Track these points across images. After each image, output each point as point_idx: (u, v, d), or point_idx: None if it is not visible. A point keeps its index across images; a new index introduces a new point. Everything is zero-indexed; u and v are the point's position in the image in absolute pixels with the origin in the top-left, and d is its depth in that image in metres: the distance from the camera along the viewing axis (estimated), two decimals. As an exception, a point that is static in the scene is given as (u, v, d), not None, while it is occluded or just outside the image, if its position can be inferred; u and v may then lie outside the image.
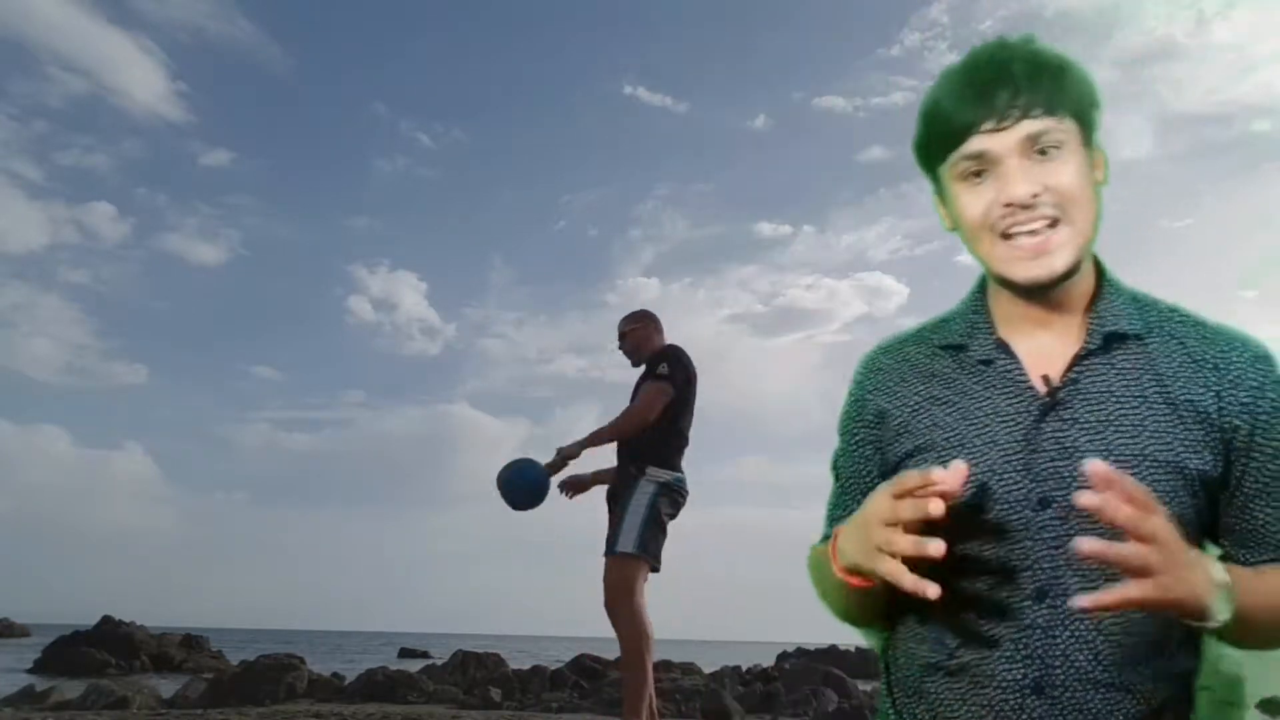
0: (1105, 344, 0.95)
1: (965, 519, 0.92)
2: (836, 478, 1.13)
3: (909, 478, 0.81)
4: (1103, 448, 0.90)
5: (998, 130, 0.92)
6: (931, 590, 0.79)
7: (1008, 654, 0.92)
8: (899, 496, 0.81)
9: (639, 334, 4.18)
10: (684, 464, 3.97)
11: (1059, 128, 0.91)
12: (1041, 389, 0.95)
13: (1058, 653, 0.90)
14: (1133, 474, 0.87)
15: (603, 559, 3.79)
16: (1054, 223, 0.91)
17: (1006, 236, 0.92)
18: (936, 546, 0.78)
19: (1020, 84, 0.91)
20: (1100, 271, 1.00)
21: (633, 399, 4.02)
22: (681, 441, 3.97)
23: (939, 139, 0.96)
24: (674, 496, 3.88)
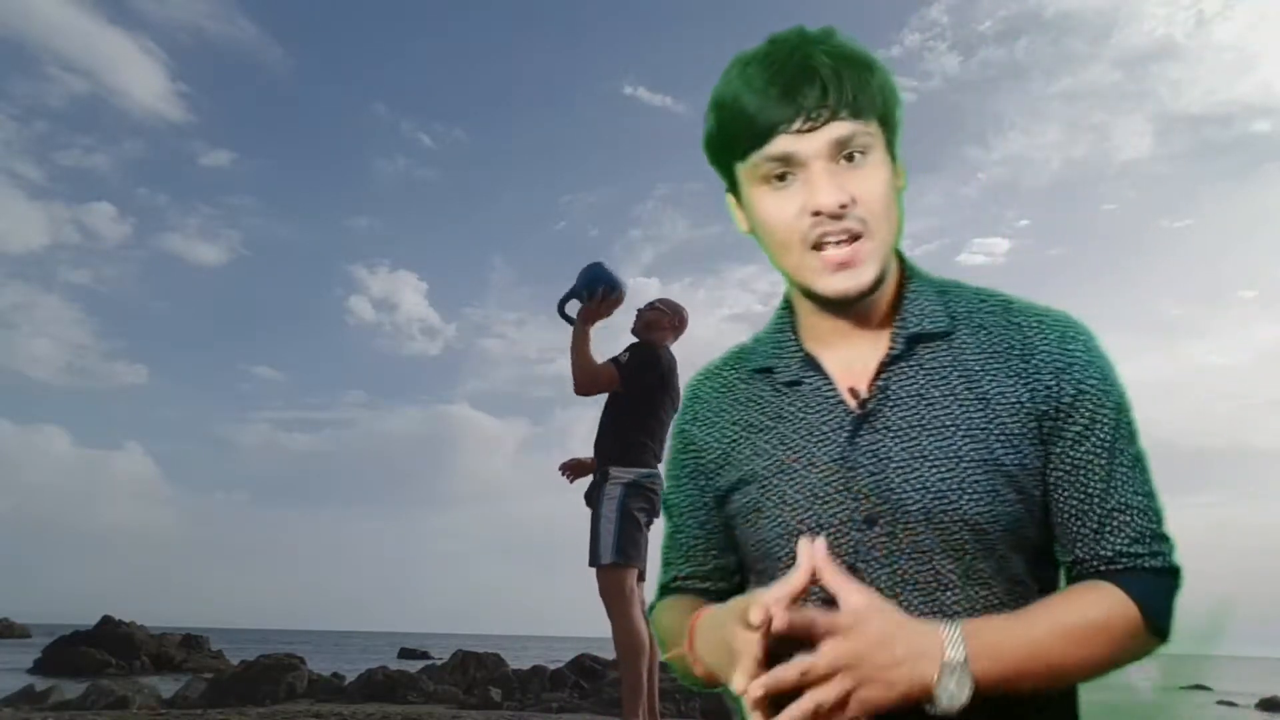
0: (910, 347, 0.91)
1: (794, 549, 0.86)
2: (668, 515, 1.09)
3: (763, 603, 0.77)
4: (917, 453, 0.87)
5: (805, 131, 0.85)
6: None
7: None
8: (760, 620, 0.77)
9: (654, 320, 4.17)
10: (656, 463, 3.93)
11: (865, 131, 0.87)
12: (851, 403, 0.91)
13: None
14: (950, 476, 0.86)
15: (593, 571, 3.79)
16: (859, 236, 0.86)
17: (816, 248, 0.87)
18: (786, 676, 0.76)
19: (828, 82, 0.85)
20: (904, 271, 0.96)
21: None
22: (649, 441, 3.93)
23: (739, 137, 0.89)
24: (646, 494, 3.85)
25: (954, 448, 0.87)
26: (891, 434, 0.89)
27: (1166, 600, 0.88)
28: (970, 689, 0.78)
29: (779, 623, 0.76)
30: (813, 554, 0.80)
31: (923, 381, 0.90)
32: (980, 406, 0.88)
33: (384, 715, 6.27)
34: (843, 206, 0.85)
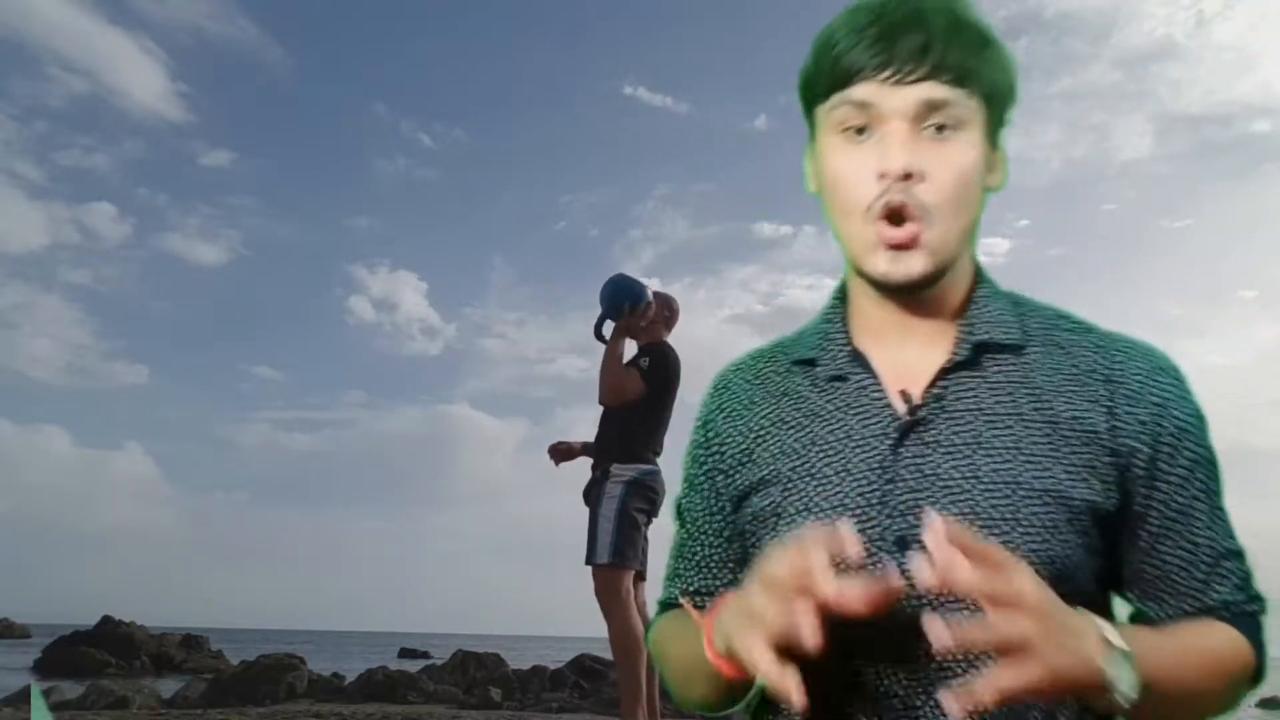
0: (976, 355, 0.80)
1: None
2: (680, 522, 0.94)
3: (807, 543, 0.64)
4: (969, 474, 0.76)
5: (893, 83, 0.75)
6: (795, 698, 0.61)
7: None
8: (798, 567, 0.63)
9: (652, 315, 4.15)
10: (658, 460, 3.95)
11: (965, 104, 0.76)
12: (901, 407, 0.80)
13: None
14: (1003, 504, 0.74)
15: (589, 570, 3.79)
16: (919, 219, 0.75)
17: (877, 218, 0.76)
18: (811, 632, 0.61)
19: (934, 36, 0.74)
20: (978, 275, 0.86)
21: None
22: (650, 437, 3.94)
23: (824, 74, 0.79)
24: (645, 492, 3.84)
25: (1012, 473, 0.75)
26: (942, 449, 0.77)
27: (1265, 644, 0.80)
28: (1137, 685, 0.66)
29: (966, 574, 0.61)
30: (841, 528, 0.64)
31: (985, 395, 0.79)
32: (1048, 431, 0.77)
33: (384, 715, 6.27)
34: (908, 176, 0.74)
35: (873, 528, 0.77)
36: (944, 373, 0.80)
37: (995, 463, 0.76)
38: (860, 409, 0.82)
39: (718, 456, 0.90)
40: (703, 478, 0.92)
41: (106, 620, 17.36)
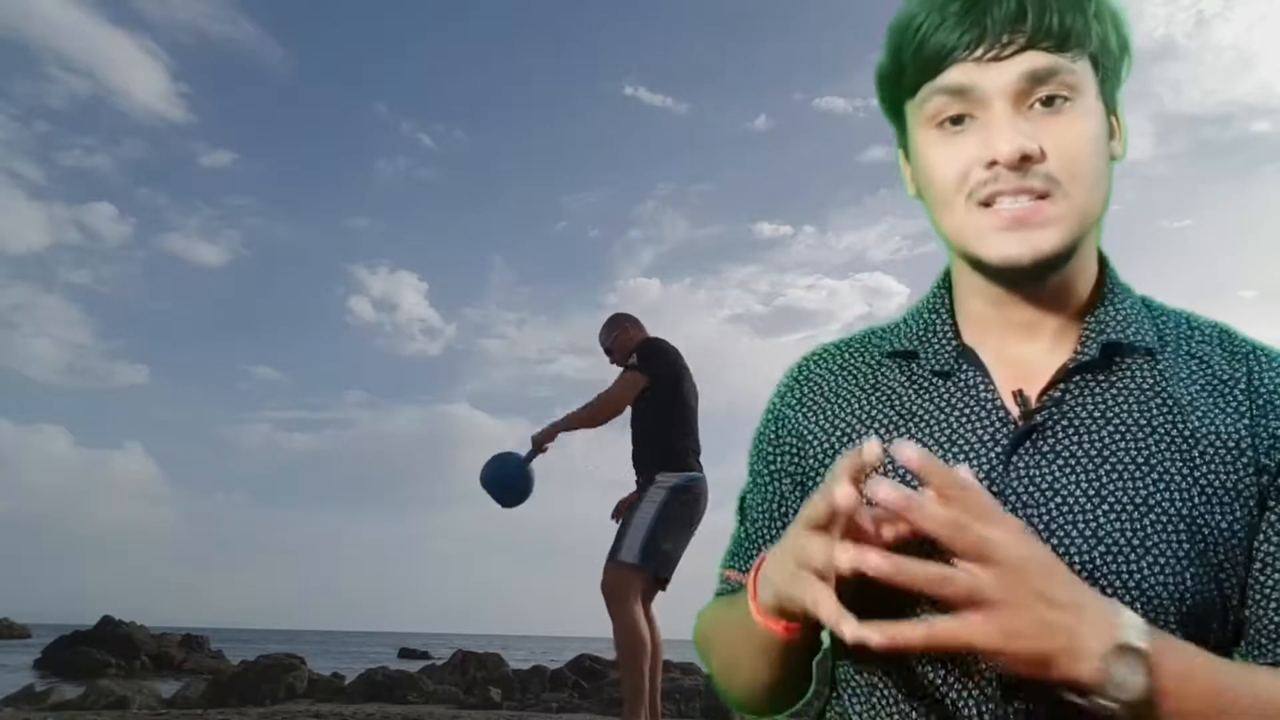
0: (1104, 356, 0.71)
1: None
2: (742, 518, 0.86)
3: (841, 469, 0.58)
4: (1092, 492, 0.67)
5: (990, 60, 0.67)
6: (871, 635, 0.55)
7: None
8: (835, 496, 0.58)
9: (619, 340, 4.17)
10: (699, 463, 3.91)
11: (1072, 70, 0.67)
12: (1014, 410, 0.71)
13: None
14: (1131, 529, 0.65)
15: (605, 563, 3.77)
16: (1047, 195, 0.67)
17: (985, 205, 0.68)
18: (873, 561, 0.55)
19: (1028, 1, 0.66)
20: (1105, 270, 0.77)
21: None
22: (688, 441, 3.91)
23: (909, 66, 0.71)
24: (688, 499, 3.80)
25: (1143, 493, 0.66)
26: (1061, 460, 0.68)
27: None
28: (1144, 686, 0.57)
29: (888, 497, 0.55)
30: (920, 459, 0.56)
31: (1113, 401, 0.70)
32: (1186, 447, 0.68)
33: (384, 715, 6.27)
34: (1026, 158, 0.66)
35: None
36: (1067, 374, 0.71)
37: (1123, 481, 0.67)
38: (967, 410, 0.73)
39: (791, 455, 0.81)
40: (768, 476, 0.83)
41: (106, 620, 17.33)
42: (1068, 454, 0.68)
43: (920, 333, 0.78)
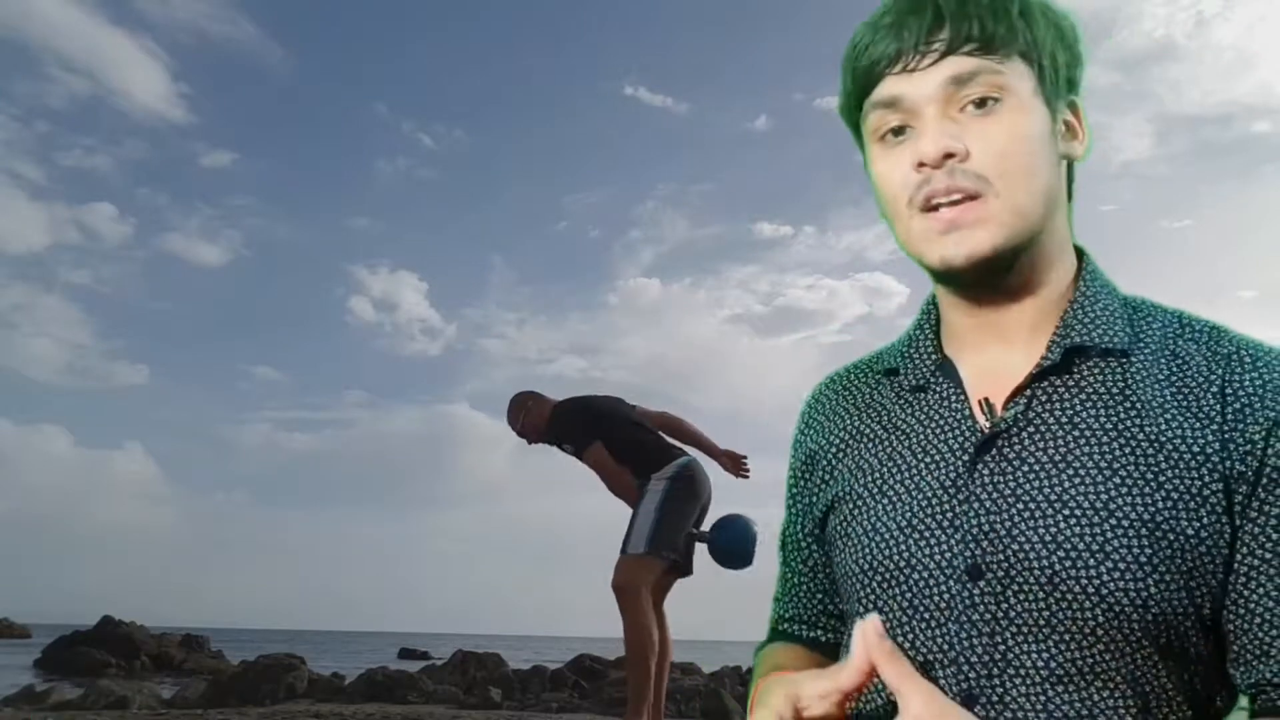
0: (1069, 360, 0.71)
1: (875, 591, 0.73)
2: (780, 548, 0.91)
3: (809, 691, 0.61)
4: (1052, 495, 0.67)
5: (914, 69, 0.70)
6: None
7: None
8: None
9: (529, 421, 4.20)
10: (682, 450, 3.96)
11: (998, 70, 0.69)
12: (981, 419, 0.72)
13: None
14: (1090, 533, 0.65)
15: (609, 560, 3.79)
16: (979, 195, 0.68)
17: (927, 210, 0.70)
18: None
19: (947, 10, 0.69)
20: (1083, 272, 0.76)
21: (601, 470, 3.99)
22: (654, 441, 3.96)
23: (854, 85, 0.74)
24: (686, 480, 3.83)
25: (1103, 497, 0.66)
26: (1024, 466, 0.69)
27: None
28: None
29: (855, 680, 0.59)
30: (868, 641, 0.58)
31: (1079, 406, 0.70)
32: (1150, 451, 0.67)
33: (384, 715, 6.27)
34: (948, 156, 0.68)
35: (942, 553, 0.69)
36: (1032, 380, 0.71)
37: (1084, 485, 0.66)
38: (939, 420, 0.75)
39: (804, 478, 0.86)
40: (792, 501, 0.88)
41: (106, 620, 17.33)
42: (1030, 459, 0.69)
43: (905, 349, 0.81)
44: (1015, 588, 0.66)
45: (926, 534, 0.70)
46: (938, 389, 0.77)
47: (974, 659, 0.67)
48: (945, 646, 0.68)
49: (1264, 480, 0.65)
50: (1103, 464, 0.67)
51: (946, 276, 0.73)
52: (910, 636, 0.70)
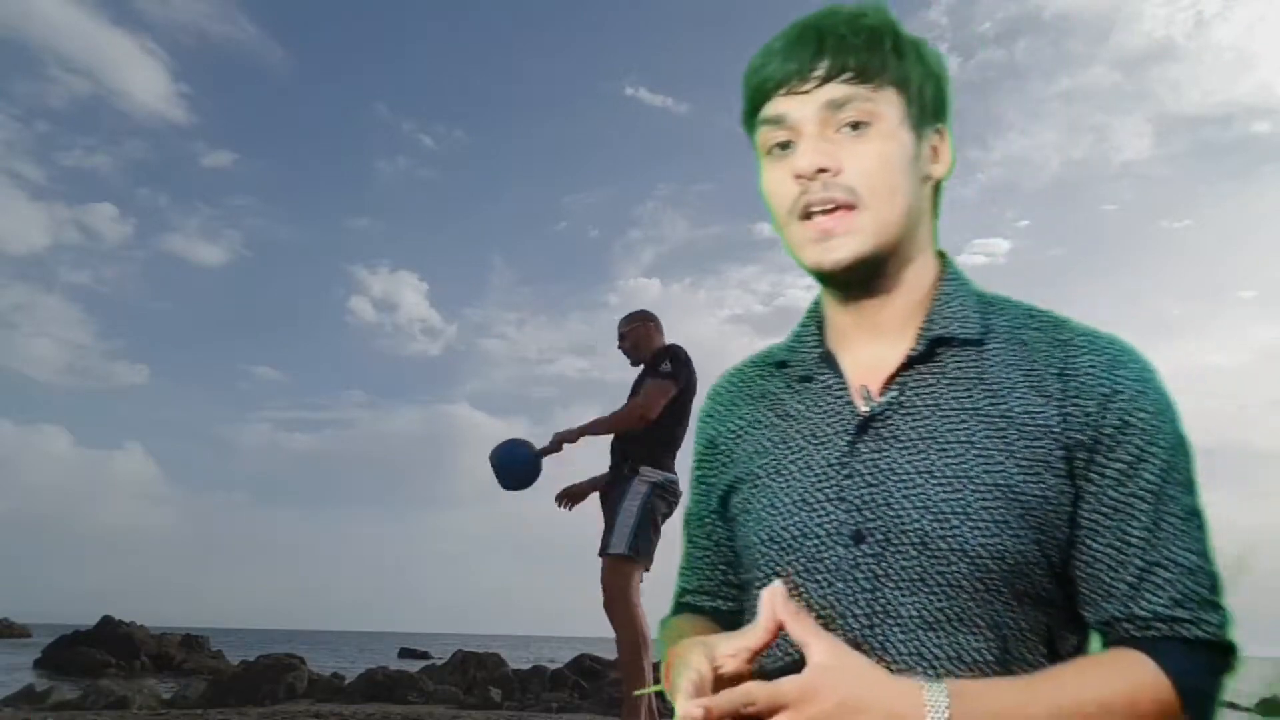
0: (933, 351, 0.83)
1: (775, 559, 0.83)
2: (684, 526, 1.01)
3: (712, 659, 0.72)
4: (922, 467, 0.78)
5: (797, 92, 0.81)
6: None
7: None
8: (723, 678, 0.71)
9: (638, 333, 4.17)
10: (676, 467, 3.96)
11: (871, 98, 0.80)
12: (860, 404, 0.83)
13: None
14: (954, 497, 0.76)
15: (599, 559, 3.80)
16: (851, 206, 0.80)
17: (805, 218, 0.81)
18: (689, 713, 0.68)
19: (829, 43, 0.80)
20: (944, 274, 0.88)
21: (632, 395, 4.01)
22: (675, 444, 3.96)
23: (748, 103, 0.86)
24: (667, 497, 3.88)
25: (964, 467, 0.77)
26: (898, 443, 0.80)
27: (1209, 680, 0.74)
28: None
29: (718, 706, 0.67)
30: (774, 603, 0.70)
31: (942, 391, 0.81)
32: (1002, 425, 0.78)
33: (384, 715, 6.27)
34: (821, 171, 0.80)
35: (828, 521, 0.81)
36: (902, 369, 0.83)
37: (948, 457, 0.78)
38: (824, 407, 0.86)
39: (707, 461, 0.97)
40: (696, 482, 0.98)
41: (106, 620, 17.33)
42: (903, 437, 0.80)
43: (794, 344, 0.93)
44: (893, 549, 0.77)
45: (816, 506, 0.82)
46: (822, 379, 0.88)
47: (858, 612, 0.78)
48: (834, 602, 0.79)
49: (1100, 447, 0.77)
50: (964, 439, 0.78)
51: (823, 278, 0.85)
52: (805, 596, 0.80)
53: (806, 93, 0.81)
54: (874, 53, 0.80)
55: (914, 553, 0.76)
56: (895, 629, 0.76)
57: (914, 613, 0.76)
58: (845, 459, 0.82)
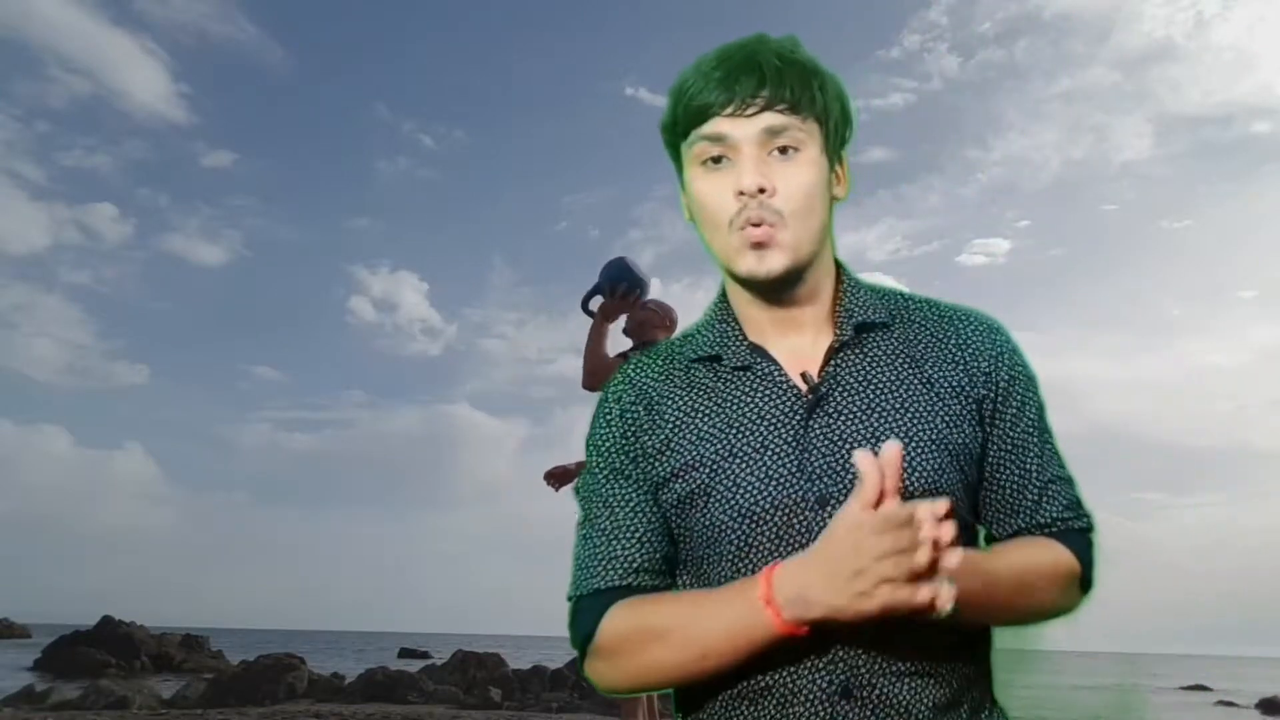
0: (856, 335, 0.97)
1: (746, 532, 0.91)
2: (607, 510, 0.99)
3: (905, 511, 0.77)
4: (870, 434, 0.91)
5: (739, 116, 0.91)
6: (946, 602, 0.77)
7: (812, 664, 0.88)
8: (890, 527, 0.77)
9: (646, 319, 4.13)
10: None
11: (801, 128, 0.92)
12: (803, 387, 0.94)
13: (862, 653, 0.87)
14: (902, 455, 0.83)
15: None
16: (774, 225, 0.91)
17: (741, 229, 0.92)
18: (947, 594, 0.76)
19: (768, 74, 0.91)
20: (841, 273, 1.02)
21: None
22: None
23: (682, 118, 0.95)
24: None
25: (905, 428, 0.92)
26: (844, 417, 0.93)
27: (1092, 553, 0.98)
28: (951, 600, 0.78)
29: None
30: (887, 458, 0.78)
31: (870, 367, 0.96)
32: (926, 390, 0.95)
33: (384, 715, 6.27)
34: (761, 190, 0.91)
35: (794, 492, 0.91)
36: (833, 353, 0.96)
37: (889, 422, 0.92)
38: (767, 392, 0.96)
39: (640, 445, 0.99)
40: (630, 466, 0.99)
41: (106, 620, 17.36)
42: (847, 411, 0.93)
43: (717, 340, 1.01)
44: None
45: (782, 480, 0.92)
46: (759, 368, 0.97)
47: None
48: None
49: (997, 398, 0.97)
50: (898, 405, 0.93)
51: (752, 284, 0.96)
52: (779, 560, 0.87)
53: (748, 117, 0.92)
54: (806, 87, 0.92)
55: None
56: None
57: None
58: (801, 434, 0.93)
